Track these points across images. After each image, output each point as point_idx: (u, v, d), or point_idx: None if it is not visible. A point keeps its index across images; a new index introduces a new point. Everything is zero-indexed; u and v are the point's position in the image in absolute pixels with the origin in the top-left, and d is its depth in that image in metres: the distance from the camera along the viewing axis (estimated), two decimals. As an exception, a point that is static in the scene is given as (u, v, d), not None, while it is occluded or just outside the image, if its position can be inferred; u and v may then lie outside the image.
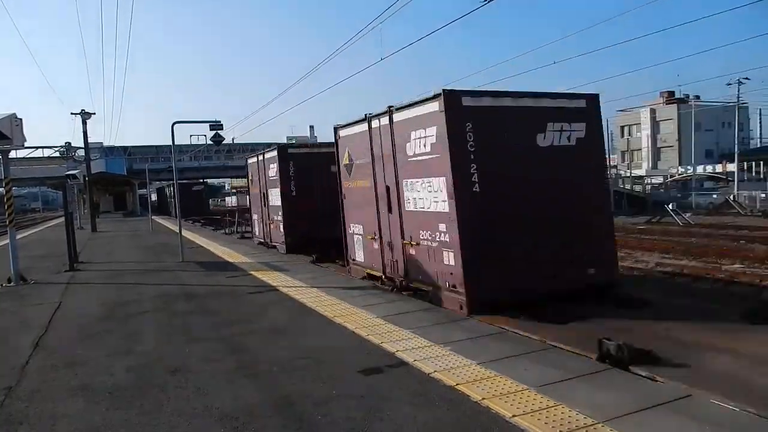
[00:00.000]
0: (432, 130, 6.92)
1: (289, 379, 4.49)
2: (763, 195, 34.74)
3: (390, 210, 8.25)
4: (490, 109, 6.95)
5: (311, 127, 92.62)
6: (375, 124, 8.45)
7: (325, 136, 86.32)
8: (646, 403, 3.62)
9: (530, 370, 4.37)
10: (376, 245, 8.89)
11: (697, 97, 56.20)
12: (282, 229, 14.06)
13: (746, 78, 43.95)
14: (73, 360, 5.35)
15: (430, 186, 7.10)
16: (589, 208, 7.41)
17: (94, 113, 30.27)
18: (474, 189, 6.63)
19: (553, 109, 7.26)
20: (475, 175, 6.64)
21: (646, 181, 51.77)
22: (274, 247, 15.01)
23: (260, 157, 15.84)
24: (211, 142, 15.56)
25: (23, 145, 10.86)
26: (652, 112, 64.32)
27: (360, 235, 9.53)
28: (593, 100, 7.53)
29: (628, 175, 53.03)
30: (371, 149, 8.59)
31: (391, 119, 7.93)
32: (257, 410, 3.88)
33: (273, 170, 14.48)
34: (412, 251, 7.76)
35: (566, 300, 6.77)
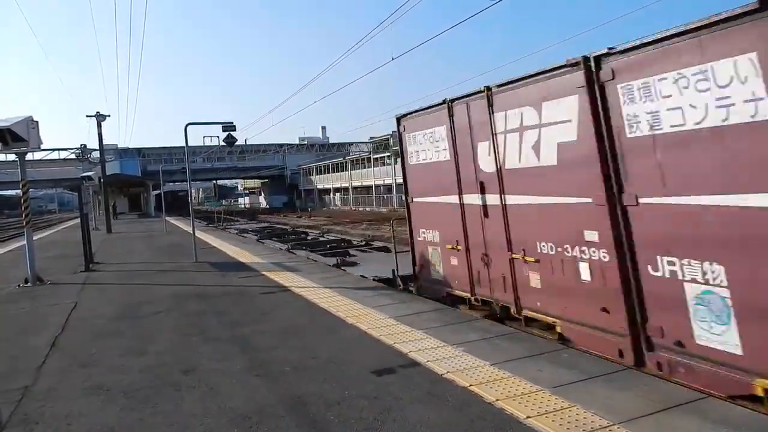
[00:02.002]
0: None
1: (302, 379, 4.49)
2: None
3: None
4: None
5: (323, 127, 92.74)
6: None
7: (336, 136, 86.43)
8: (663, 404, 3.57)
9: (544, 371, 4.32)
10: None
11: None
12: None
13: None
14: (88, 360, 5.40)
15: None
16: None
17: (109, 115, 30.49)
18: None
19: None
20: None
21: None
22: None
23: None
24: (224, 144, 15.66)
25: (39, 148, 10.99)
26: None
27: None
28: None
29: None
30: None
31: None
32: (270, 410, 3.88)
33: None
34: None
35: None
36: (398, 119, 8.34)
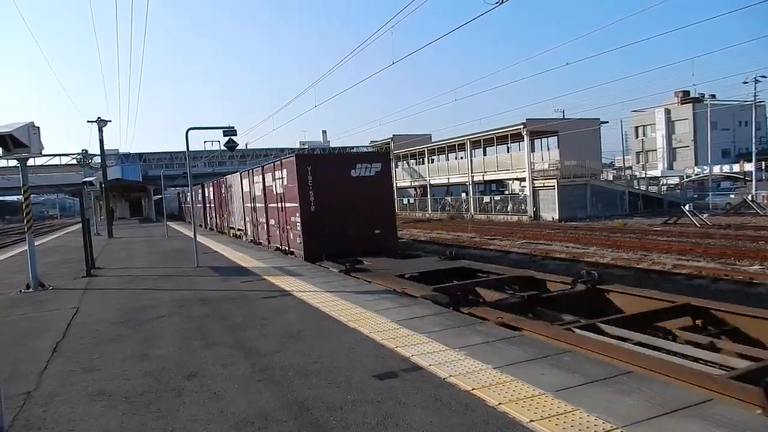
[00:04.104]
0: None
1: (304, 383, 4.49)
2: (783, 195, 34.17)
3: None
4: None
5: (324, 131, 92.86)
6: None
7: (338, 140, 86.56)
8: (665, 408, 3.56)
9: (547, 375, 4.32)
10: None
11: (713, 96, 55.52)
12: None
13: (762, 76, 43.32)
14: (90, 365, 5.40)
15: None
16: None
17: (110, 121, 30.50)
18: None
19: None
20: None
21: (661, 182, 51.20)
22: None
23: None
24: (225, 148, 15.69)
25: (41, 153, 11.01)
26: (667, 112, 63.65)
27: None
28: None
29: (643, 176, 52.48)
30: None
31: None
32: (272, 415, 3.88)
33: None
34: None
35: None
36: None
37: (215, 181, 28.02)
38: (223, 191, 25.16)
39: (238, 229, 21.49)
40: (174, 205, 58.74)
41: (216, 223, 28.68)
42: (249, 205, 18.73)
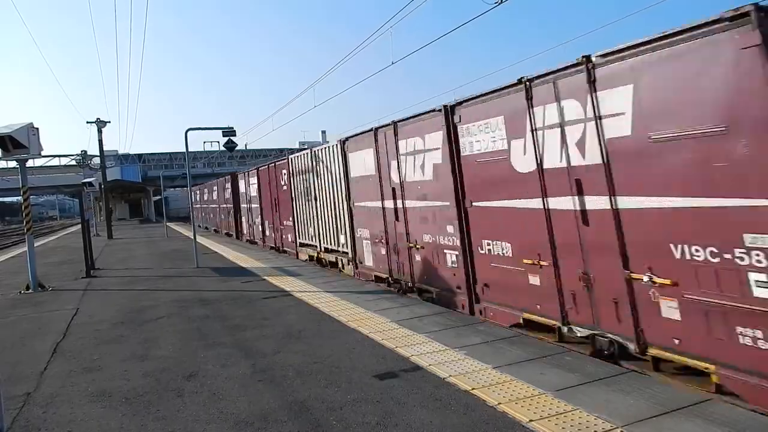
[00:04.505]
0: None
1: (304, 384, 4.49)
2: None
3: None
4: None
5: (323, 132, 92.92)
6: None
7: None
8: (665, 407, 3.57)
9: (547, 374, 4.32)
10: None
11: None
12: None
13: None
14: (90, 365, 5.41)
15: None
16: None
17: (109, 122, 30.55)
18: None
19: None
20: None
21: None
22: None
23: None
24: (224, 149, 15.71)
25: (40, 154, 11.02)
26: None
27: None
28: None
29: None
30: None
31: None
32: (272, 415, 3.88)
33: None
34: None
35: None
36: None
37: (267, 165, 17.62)
38: (283, 182, 15.45)
39: (329, 249, 12.37)
40: (183, 206, 55.76)
41: (261, 232, 18.84)
42: (377, 205, 9.31)
